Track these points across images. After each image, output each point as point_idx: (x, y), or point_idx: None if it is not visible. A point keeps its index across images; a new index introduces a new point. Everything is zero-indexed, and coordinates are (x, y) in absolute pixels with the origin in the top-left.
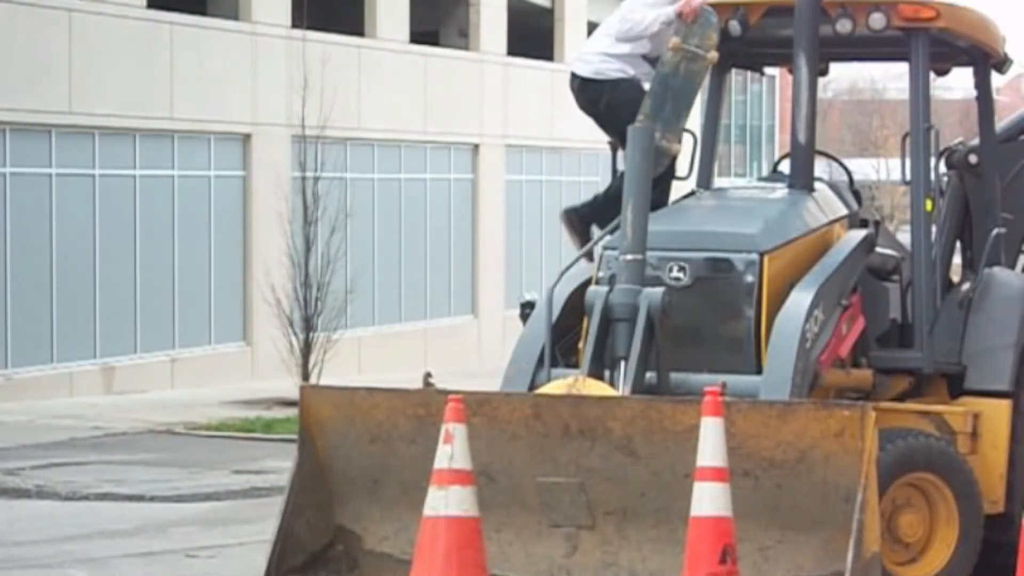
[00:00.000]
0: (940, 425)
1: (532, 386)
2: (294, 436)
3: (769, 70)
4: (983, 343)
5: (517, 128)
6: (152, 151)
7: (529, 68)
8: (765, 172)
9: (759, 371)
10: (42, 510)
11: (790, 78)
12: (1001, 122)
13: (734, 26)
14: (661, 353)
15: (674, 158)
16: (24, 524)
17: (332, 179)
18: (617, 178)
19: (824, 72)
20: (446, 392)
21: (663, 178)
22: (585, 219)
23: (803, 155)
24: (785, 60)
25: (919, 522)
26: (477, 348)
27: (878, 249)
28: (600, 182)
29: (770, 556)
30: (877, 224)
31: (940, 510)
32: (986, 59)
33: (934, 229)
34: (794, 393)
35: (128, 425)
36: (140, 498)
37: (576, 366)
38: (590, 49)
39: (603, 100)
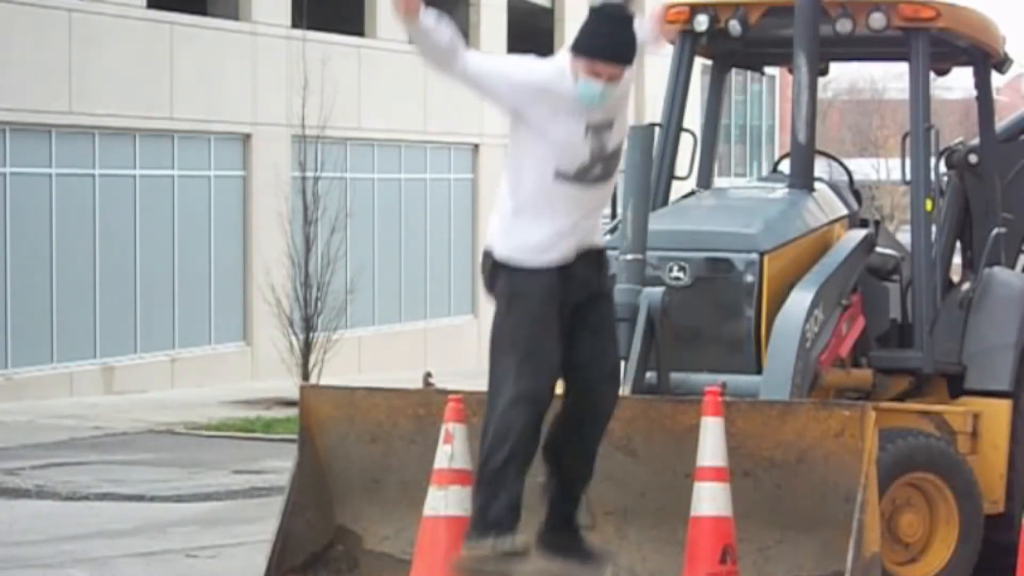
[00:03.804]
0: (940, 425)
1: None
2: (294, 436)
3: (769, 70)
4: (983, 343)
5: None
6: (152, 151)
7: None
8: (765, 172)
9: (759, 371)
10: (42, 510)
11: (790, 78)
12: (1001, 122)
13: (734, 26)
14: (661, 353)
15: None
16: (24, 524)
17: (332, 179)
18: None
19: (824, 72)
20: (446, 392)
21: None
22: None
23: (803, 155)
24: (785, 60)
25: (919, 522)
26: (477, 348)
27: (878, 249)
28: None
29: (770, 556)
30: (877, 224)
31: (940, 510)
32: (986, 59)
33: (934, 229)
34: (794, 393)
35: (128, 425)
36: (140, 498)
37: None
38: None
39: None
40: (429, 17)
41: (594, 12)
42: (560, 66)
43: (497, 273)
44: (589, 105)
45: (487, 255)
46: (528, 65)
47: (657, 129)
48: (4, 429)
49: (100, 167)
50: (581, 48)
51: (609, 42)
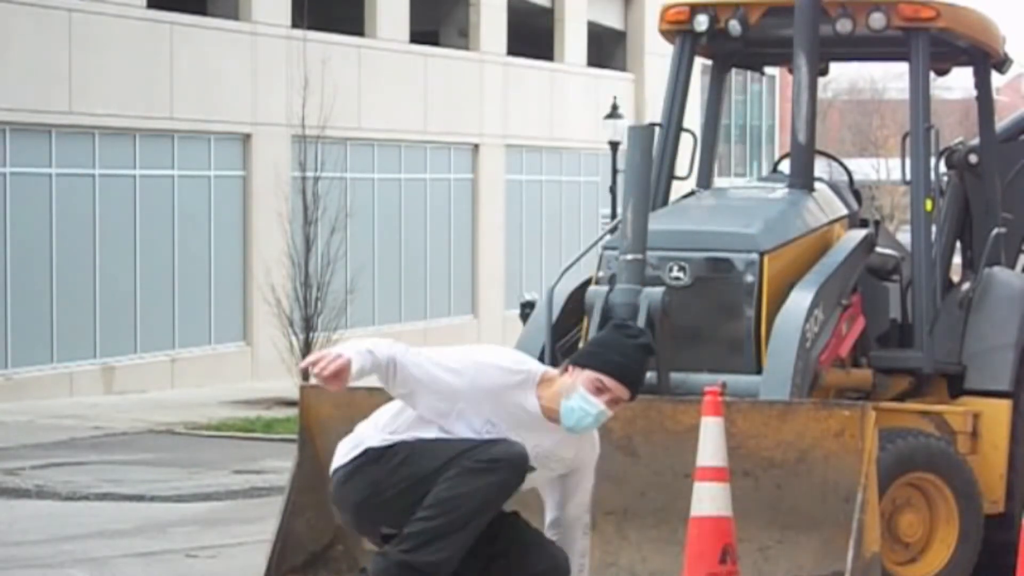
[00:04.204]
0: (940, 425)
1: None
2: (294, 436)
3: (769, 70)
4: (983, 343)
5: (517, 128)
6: (152, 151)
7: (529, 68)
8: (765, 172)
9: (759, 371)
10: (42, 510)
11: (790, 78)
12: (1001, 122)
13: (734, 26)
14: (661, 353)
15: None
16: (24, 524)
17: (332, 179)
18: None
19: (824, 72)
20: None
21: None
22: None
23: (803, 155)
24: (785, 60)
25: (919, 522)
26: None
27: (878, 249)
28: (600, 182)
29: (770, 556)
30: (877, 224)
31: (940, 510)
32: (986, 59)
33: (934, 229)
34: (794, 393)
35: (128, 425)
36: (140, 498)
37: None
38: None
39: None
40: (358, 363)
41: (617, 328)
42: (534, 403)
43: (384, 452)
44: (575, 426)
45: (364, 452)
46: (497, 379)
47: (657, 129)
48: (4, 429)
49: (100, 167)
50: (592, 359)
51: (626, 361)
